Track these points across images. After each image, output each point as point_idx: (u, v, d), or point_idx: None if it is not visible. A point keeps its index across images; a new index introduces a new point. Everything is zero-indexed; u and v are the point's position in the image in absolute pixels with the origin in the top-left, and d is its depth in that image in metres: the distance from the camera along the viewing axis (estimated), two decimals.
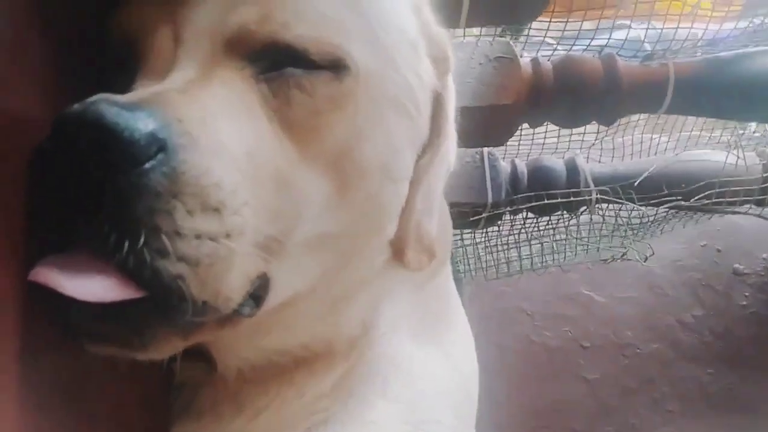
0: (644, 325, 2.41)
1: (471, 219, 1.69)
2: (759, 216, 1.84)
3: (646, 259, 1.80)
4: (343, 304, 0.76)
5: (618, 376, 2.36)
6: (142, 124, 0.49)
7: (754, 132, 1.81)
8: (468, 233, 1.85)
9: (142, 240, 0.48)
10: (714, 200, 1.68)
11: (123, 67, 0.62)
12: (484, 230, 1.81)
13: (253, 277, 0.58)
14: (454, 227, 1.78)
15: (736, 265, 2.45)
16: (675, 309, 2.42)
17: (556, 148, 1.82)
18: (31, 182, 0.51)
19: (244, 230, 0.55)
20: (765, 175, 1.72)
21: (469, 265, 1.97)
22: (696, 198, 1.67)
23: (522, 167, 1.76)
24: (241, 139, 0.56)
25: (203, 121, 0.53)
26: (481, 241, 1.88)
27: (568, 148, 1.80)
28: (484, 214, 1.68)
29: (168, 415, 0.78)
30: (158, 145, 0.49)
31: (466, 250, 1.91)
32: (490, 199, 1.67)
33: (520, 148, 1.86)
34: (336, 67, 0.62)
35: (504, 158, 1.80)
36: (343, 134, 0.63)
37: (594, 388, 2.35)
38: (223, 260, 0.53)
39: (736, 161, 1.65)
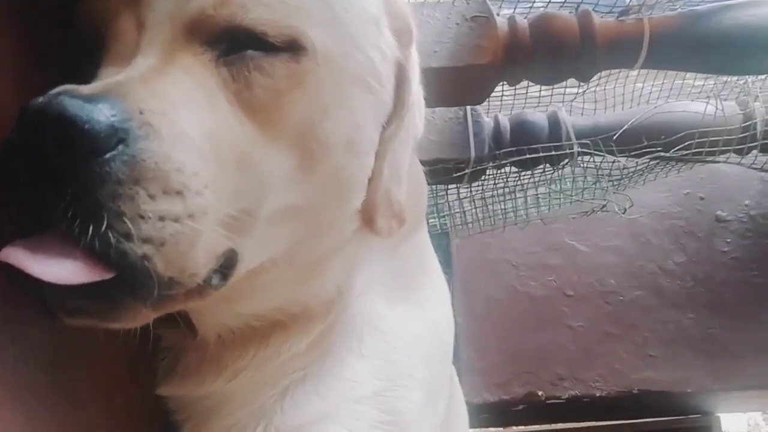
0: (627, 272, 2.45)
1: (455, 175, 1.72)
2: (739, 164, 1.86)
3: (625, 210, 1.83)
4: (317, 270, 0.79)
5: (601, 322, 2.42)
6: (103, 116, 0.51)
7: (735, 81, 1.82)
8: (452, 188, 1.88)
9: (105, 224, 0.51)
10: (694, 150, 1.70)
11: (90, 53, 0.64)
12: (468, 185, 1.83)
13: (219, 254, 0.61)
14: (439, 183, 1.81)
15: (719, 212, 2.48)
16: (657, 256, 2.46)
17: (539, 102, 1.83)
18: (1, 170, 0.54)
19: (207, 210, 0.57)
20: (744, 124, 1.73)
21: (454, 219, 2.00)
22: (676, 149, 1.69)
23: (505, 122, 1.78)
24: (201, 124, 0.58)
25: (163, 110, 0.56)
26: (465, 196, 1.91)
27: (551, 102, 1.81)
28: (467, 170, 1.70)
29: (153, 378, 0.83)
30: (119, 136, 0.52)
31: (450, 204, 1.94)
32: (473, 155, 1.69)
33: (503, 101, 1.87)
34: (294, 48, 0.63)
35: (487, 113, 1.81)
36: (305, 113, 0.65)
37: (577, 335, 2.41)
38: (187, 239, 0.56)
39: (715, 111, 1.67)
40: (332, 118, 0.68)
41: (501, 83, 1.52)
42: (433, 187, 1.83)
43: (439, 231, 2.13)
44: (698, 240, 2.47)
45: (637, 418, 2.62)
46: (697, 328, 2.39)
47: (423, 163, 1.62)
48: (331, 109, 0.68)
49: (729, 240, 2.46)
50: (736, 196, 2.48)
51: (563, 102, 1.83)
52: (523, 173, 1.85)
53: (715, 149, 1.71)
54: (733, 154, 1.81)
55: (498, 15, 1.37)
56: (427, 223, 1.90)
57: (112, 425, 0.76)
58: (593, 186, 1.82)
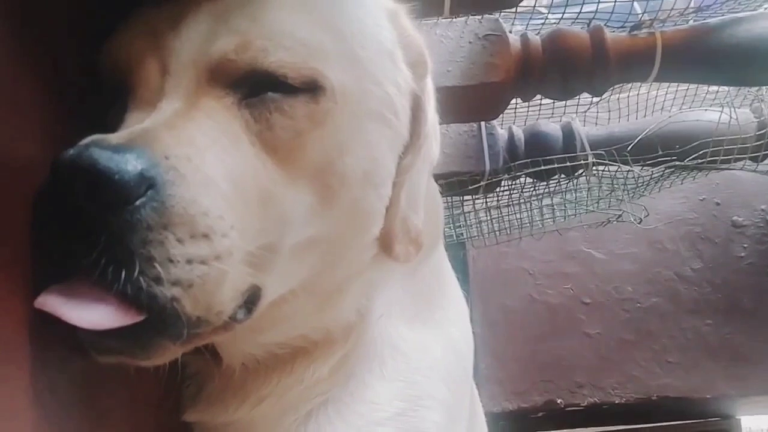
0: (644, 279, 2.45)
1: (470, 187, 1.73)
2: (754, 171, 1.85)
3: (641, 221, 1.83)
4: (336, 297, 0.81)
5: (619, 330, 2.42)
6: (131, 166, 0.53)
7: (749, 89, 1.82)
8: (468, 200, 1.89)
9: (137, 270, 0.53)
10: (709, 159, 1.70)
11: (116, 97, 0.66)
12: (484, 197, 1.85)
13: (243, 290, 0.63)
14: (455, 195, 1.83)
15: (735, 218, 2.47)
16: (674, 263, 2.46)
17: (552, 113, 1.84)
18: (35, 218, 0.56)
19: (233, 251, 0.59)
20: (759, 132, 1.73)
21: (470, 230, 2.01)
22: (691, 158, 1.69)
23: (519, 134, 1.79)
24: (225, 167, 0.60)
25: (188, 156, 0.58)
26: (481, 208, 1.92)
27: (565, 113, 1.82)
28: (482, 182, 1.71)
29: (178, 405, 0.84)
30: (147, 183, 0.54)
31: (466, 216, 1.95)
32: (488, 167, 1.70)
33: (517, 112, 1.88)
34: (313, 88, 0.65)
35: (501, 125, 1.83)
36: (324, 150, 0.67)
37: (595, 343, 2.41)
38: (213, 280, 0.58)
39: (729, 120, 1.67)
40: (350, 154, 0.70)
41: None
42: (449, 198, 1.84)
43: (456, 241, 2.14)
44: (715, 246, 2.46)
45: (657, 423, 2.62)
46: (714, 334, 2.39)
47: (438, 176, 1.65)
48: (350, 144, 0.69)
49: (746, 245, 2.45)
50: (753, 201, 2.48)
51: (577, 113, 1.84)
52: (538, 184, 1.86)
53: (730, 157, 1.71)
54: (748, 162, 1.81)
55: (510, 32, 1.38)
56: (444, 234, 1.92)
57: None
58: (608, 196, 1.82)
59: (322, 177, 0.68)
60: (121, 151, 0.54)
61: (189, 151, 0.58)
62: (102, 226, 0.53)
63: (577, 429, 2.70)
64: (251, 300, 0.65)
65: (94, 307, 0.53)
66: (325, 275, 0.77)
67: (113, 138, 0.56)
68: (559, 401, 2.36)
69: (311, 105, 0.65)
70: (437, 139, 0.88)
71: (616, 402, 2.36)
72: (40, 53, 0.62)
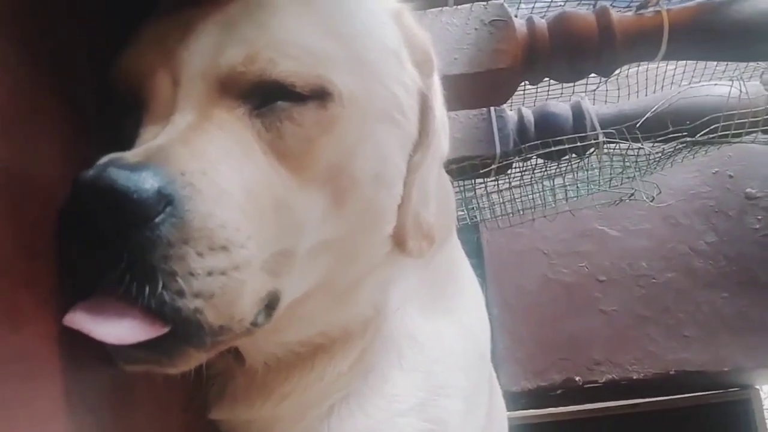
0: (658, 255, 2.45)
1: (482, 171, 1.74)
2: (766, 144, 1.85)
3: (653, 198, 1.83)
4: (352, 294, 0.82)
5: (634, 306, 2.43)
6: (149, 184, 0.55)
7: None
8: (480, 183, 1.90)
9: (160, 285, 0.55)
10: (720, 133, 1.69)
11: (130, 110, 0.68)
12: (496, 179, 1.85)
13: (263, 296, 0.64)
14: (467, 179, 1.83)
15: (749, 190, 2.46)
16: (688, 237, 2.46)
17: (561, 93, 1.83)
18: (59, 237, 0.57)
19: (251, 260, 0.61)
20: None
21: (483, 212, 2.02)
22: (702, 133, 1.69)
23: (528, 115, 1.79)
24: (240, 178, 0.61)
25: (203, 170, 0.59)
26: (493, 190, 1.93)
27: (574, 92, 1.82)
28: (493, 165, 1.72)
29: (204, 405, 0.87)
30: (165, 200, 0.55)
31: (479, 198, 1.96)
32: (498, 150, 1.71)
33: (526, 93, 1.88)
34: (321, 95, 0.66)
35: (510, 107, 1.83)
36: (335, 155, 0.68)
37: (611, 320, 2.42)
38: (234, 290, 0.59)
39: (739, 93, 1.66)
40: (360, 156, 0.71)
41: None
42: (462, 181, 1.85)
43: (469, 224, 2.15)
44: (729, 219, 2.46)
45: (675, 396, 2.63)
46: (730, 307, 2.39)
47: (450, 161, 1.64)
48: (359, 147, 0.70)
49: (760, 217, 2.44)
50: (766, 172, 2.46)
51: (586, 91, 1.84)
52: (549, 165, 1.86)
53: (741, 131, 1.70)
54: (760, 134, 1.80)
55: (516, 16, 1.38)
56: (457, 217, 1.93)
57: None
58: (620, 174, 1.82)
59: (334, 181, 0.69)
60: (138, 169, 0.55)
61: (204, 165, 0.59)
62: (124, 244, 0.55)
63: (596, 403, 2.72)
64: (271, 305, 0.67)
65: (120, 323, 0.55)
66: (341, 274, 0.78)
67: (129, 156, 0.58)
68: (577, 379, 2.38)
69: (320, 111, 0.66)
70: (446, 133, 0.89)
71: (634, 378, 2.38)
72: (57, 71, 0.63)
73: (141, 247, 0.55)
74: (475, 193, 1.95)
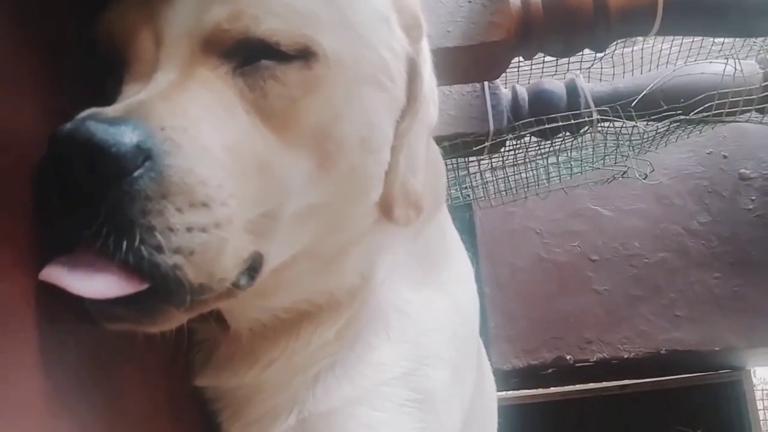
0: (651, 235, 2.46)
1: (475, 148, 1.73)
2: (761, 123, 1.84)
3: (646, 176, 1.83)
4: (339, 261, 0.82)
5: (627, 286, 2.43)
6: (128, 138, 0.54)
7: (755, 40, 1.79)
8: (473, 161, 1.89)
9: (138, 239, 0.54)
10: (714, 112, 1.69)
11: (111, 69, 0.67)
12: (489, 157, 1.85)
13: (245, 257, 0.64)
14: (460, 156, 1.83)
15: (742, 170, 2.46)
16: (682, 217, 2.46)
17: (556, 70, 1.83)
18: (36, 192, 0.57)
19: (232, 218, 0.60)
20: (765, 83, 1.71)
21: (476, 191, 2.02)
22: (696, 111, 1.68)
23: (523, 92, 1.78)
24: (221, 136, 0.61)
25: (184, 126, 0.58)
26: (486, 168, 1.92)
27: (568, 70, 1.81)
28: (487, 143, 1.71)
29: (189, 371, 0.86)
30: (144, 155, 0.55)
31: (472, 177, 1.95)
32: (492, 128, 1.70)
33: (520, 70, 1.87)
34: (306, 55, 0.65)
35: (505, 84, 1.82)
36: (320, 117, 0.67)
37: (604, 299, 2.43)
38: (214, 247, 0.59)
39: (734, 71, 1.65)
40: (346, 119, 0.70)
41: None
42: (455, 159, 1.84)
43: (462, 202, 2.14)
44: (722, 199, 2.46)
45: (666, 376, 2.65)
46: (722, 287, 2.40)
47: (443, 138, 1.65)
48: (345, 110, 0.70)
49: (753, 198, 2.44)
50: (760, 152, 2.47)
51: (581, 69, 1.83)
52: (543, 143, 1.86)
53: (736, 109, 1.70)
54: (754, 113, 1.80)
55: None
56: (450, 195, 1.93)
57: (156, 416, 0.80)
58: (614, 152, 1.82)
59: (319, 143, 0.68)
60: (117, 123, 0.54)
61: (185, 122, 0.59)
62: (101, 198, 0.54)
63: (586, 384, 2.73)
64: (253, 267, 0.66)
65: (97, 277, 0.54)
66: (327, 240, 0.78)
67: (109, 111, 0.57)
68: (568, 357, 2.39)
69: (304, 71, 0.65)
70: (435, 102, 0.88)
71: (625, 357, 2.38)
72: (37, 29, 0.62)
73: (118, 200, 0.54)
74: (468, 171, 1.94)
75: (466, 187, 2.05)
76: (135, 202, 0.54)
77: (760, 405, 2.85)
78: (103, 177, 0.54)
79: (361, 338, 0.85)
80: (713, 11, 1.37)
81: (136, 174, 0.54)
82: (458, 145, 1.72)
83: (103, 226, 0.54)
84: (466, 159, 1.90)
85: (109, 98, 0.63)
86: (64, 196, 0.55)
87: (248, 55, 0.64)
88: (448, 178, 1.34)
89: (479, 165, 1.92)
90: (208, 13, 0.64)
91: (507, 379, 2.36)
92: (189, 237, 0.57)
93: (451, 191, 2.02)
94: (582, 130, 1.78)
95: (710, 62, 1.75)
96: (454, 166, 1.91)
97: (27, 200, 0.57)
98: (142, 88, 0.62)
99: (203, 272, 0.59)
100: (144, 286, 0.56)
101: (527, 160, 1.91)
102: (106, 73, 0.67)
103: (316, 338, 0.83)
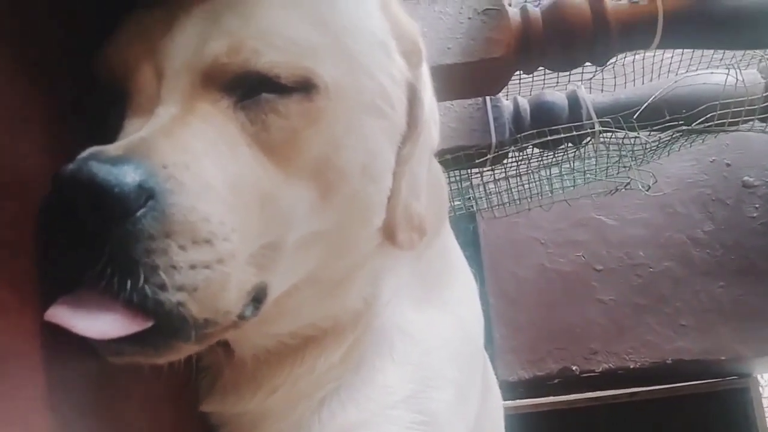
0: (656, 244, 2.45)
1: (477, 160, 1.73)
2: (763, 132, 1.84)
3: (649, 188, 1.83)
4: (342, 287, 0.82)
5: (632, 295, 2.42)
6: (130, 178, 0.54)
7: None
8: (476, 172, 1.89)
9: (142, 278, 0.55)
10: (717, 122, 1.69)
11: (113, 102, 0.67)
12: (492, 169, 1.85)
13: (249, 289, 0.64)
14: (462, 168, 1.83)
15: (746, 178, 2.45)
16: (686, 226, 2.45)
17: (557, 82, 1.83)
18: (40, 232, 0.57)
19: (235, 253, 0.60)
20: (767, 93, 1.71)
21: (479, 202, 2.02)
22: (698, 121, 1.68)
23: (524, 104, 1.78)
24: (223, 171, 0.61)
25: (186, 163, 0.58)
26: (489, 180, 1.92)
27: (569, 81, 1.81)
28: (489, 155, 1.71)
29: (195, 397, 0.87)
30: (147, 194, 0.55)
31: (475, 188, 1.95)
32: (494, 140, 1.70)
33: (522, 82, 1.87)
34: (306, 87, 0.65)
35: (506, 96, 1.82)
36: (321, 147, 0.67)
37: (609, 309, 2.42)
38: (218, 283, 0.59)
39: (736, 81, 1.65)
40: (347, 148, 0.70)
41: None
42: (458, 171, 1.84)
43: (466, 213, 2.14)
44: (726, 207, 2.45)
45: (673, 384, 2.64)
46: (727, 296, 2.39)
47: (445, 151, 1.65)
48: (346, 140, 0.70)
49: (757, 205, 2.44)
50: (763, 160, 2.46)
51: (582, 80, 1.83)
52: (545, 154, 1.86)
53: (738, 119, 1.70)
54: (757, 122, 1.80)
55: (509, 5, 1.37)
56: (453, 206, 1.93)
57: None
58: (616, 163, 1.82)
59: (321, 174, 0.68)
60: (119, 163, 0.55)
61: (186, 159, 0.59)
62: (105, 238, 0.54)
63: (593, 392, 2.72)
64: (258, 298, 0.66)
65: (102, 317, 0.54)
66: (330, 267, 0.78)
67: (111, 149, 0.57)
68: (574, 368, 2.39)
69: (305, 103, 0.65)
70: (436, 124, 0.88)
71: (631, 367, 2.38)
72: (39, 65, 0.62)
73: (122, 240, 0.54)
74: (471, 182, 1.95)
75: (469, 198, 2.05)
76: (138, 242, 0.55)
77: None
78: (107, 217, 0.54)
79: (366, 361, 0.85)
80: (713, 24, 1.37)
81: (139, 214, 0.55)
82: (461, 158, 1.72)
83: (107, 265, 0.55)
84: (469, 171, 1.90)
85: (110, 132, 0.64)
86: (68, 235, 0.56)
87: (249, 89, 0.64)
88: (451, 190, 1.34)
89: (482, 177, 1.92)
90: (207, 47, 0.64)
91: (513, 389, 2.36)
92: (192, 274, 0.57)
93: (455, 202, 2.02)
94: (584, 142, 1.78)
95: (712, 72, 1.75)
96: (457, 178, 1.91)
97: (31, 240, 0.57)
98: (144, 123, 0.62)
99: (207, 308, 0.59)
100: (148, 324, 0.56)
101: (530, 171, 1.91)
102: (107, 107, 0.68)
103: (321, 363, 0.83)
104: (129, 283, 0.55)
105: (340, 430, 0.82)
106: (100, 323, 0.54)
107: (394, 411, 0.83)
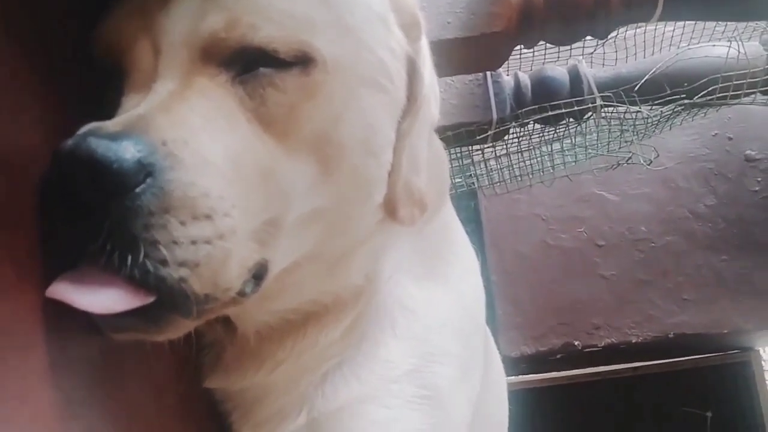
0: (658, 219, 2.45)
1: (478, 137, 1.73)
2: (765, 105, 1.83)
3: (651, 162, 1.82)
4: (344, 263, 0.82)
5: (634, 270, 2.42)
6: (129, 154, 0.54)
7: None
8: (477, 149, 1.89)
9: (142, 253, 0.55)
10: (718, 95, 1.68)
11: (110, 79, 0.67)
12: (493, 145, 1.84)
13: (250, 266, 0.64)
14: (463, 145, 1.82)
15: (748, 152, 2.44)
16: (688, 200, 2.45)
17: (558, 56, 1.82)
18: (40, 209, 0.57)
19: (236, 229, 0.60)
20: None
21: (480, 179, 2.01)
22: (700, 95, 1.67)
23: (525, 80, 1.77)
24: (222, 147, 0.61)
25: (185, 139, 0.58)
26: (491, 156, 1.92)
27: (571, 55, 1.80)
28: (490, 132, 1.71)
29: (198, 373, 0.87)
30: (146, 170, 0.55)
31: (476, 165, 1.95)
32: (495, 116, 1.70)
33: (522, 57, 1.86)
34: (304, 61, 0.65)
35: (507, 71, 1.81)
36: (320, 121, 0.67)
37: (611, 284, 2.42)
38: (219, 258, 0.59)
39: (738, 54, 1.64)
40: (346, 123, 0.70)
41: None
42: (459, 148, 1.84)
43: (467, 190, 2.14)
44: (728, 181, 2.44)
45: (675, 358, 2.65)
46: (730, 270, 2.39)
47: (446, 127, 1.64)
48: (344, 114, 0.70)
49: (759, 179, 2.43)
50: (765, 134, 2.45)
51: (583, 54, 1.82)
52: (546, 129, 1.85)
53: (739, 92, 1.69)
54: (759, 95, 1.79)
55: None
56: (454, 184, 1.92)
57: (167, 419, 0.81)
58: (618, 138, 1.81)
59: (320, 148, 0.68)
60: (118, 139, 0.55)
61: (185, 134, 0.59)
62: (105, 214, 0.54)
63: (596, 367, 2.74)
64: (258, 274, 0.67)
65: (104, 292, 0.55)
66: (331, 243, 0.78)
67: (110, 126, 0.57)
68: (576, 343, 2.39)
69: (303, 77, 0.65)
70: (436, 99, 0.88)
71: (634, 341, 2.39)
72: (36, 40, 0.62)
73: (122, 216, 0.54)
74: (472, 159, 1.94)
75: (470, 175, 2.04)
76: (138, 218, 0.55)
77: None
78: (106, 193, 0.54)
79: (368, 336, 0.86)
80: None
81: (138, 190, 0.55)
82: (462, 135, 1.72)
83: (107, 241, 0.55)
84: (470, 147, 1.89)
85: (108, 108, 0.64)
86: (68, 211, 0.56)
87: (247, 63, 0.64)
88: (452, 167, 1.33)
89: (483, 153, 1.92)
90: (204, 22, 0.63)
91: (515, 365, 2.37)
92: (193, 249, 0.57)
93: (456, 179, 2.02)
94: (586, 116, 1.77)
95: (713, 45, 1.73)
96: (458, 155, 1.91)
97: (31, 217, 0.57)
98: (142, 99, 0.62)
99: (208, 283, 0.59)
100: (150, 300, 0.56)
101: (531, 147, 1.90)
102: (105, 83, 0.67)
103: (323, 338, 0.83)
104: (129, 258, 0.55)
105: (343, 404, 0.83)
106: (102, 298, 0.54)
107: (396, 385, 0.84)
